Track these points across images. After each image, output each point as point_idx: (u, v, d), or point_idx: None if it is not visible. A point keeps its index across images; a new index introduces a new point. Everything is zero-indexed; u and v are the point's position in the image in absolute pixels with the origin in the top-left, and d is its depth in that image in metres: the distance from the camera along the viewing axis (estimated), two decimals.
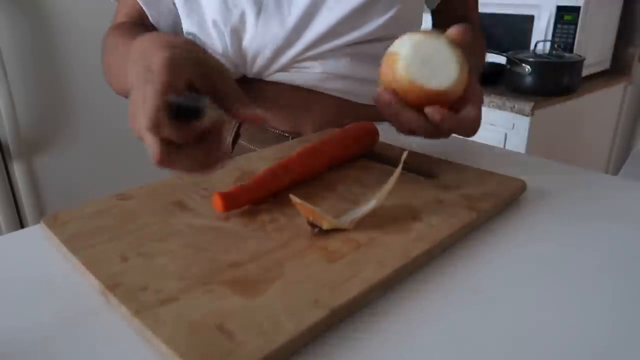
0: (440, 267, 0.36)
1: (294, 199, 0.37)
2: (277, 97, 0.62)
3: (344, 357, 0.27)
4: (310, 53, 0.59)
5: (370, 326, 0.30)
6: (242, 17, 0.57)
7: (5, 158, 1.46)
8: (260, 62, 0.59)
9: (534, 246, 0.39)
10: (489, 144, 0.63)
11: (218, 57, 0.59)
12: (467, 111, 0.42)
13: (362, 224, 0.39)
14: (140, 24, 0.66)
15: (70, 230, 0.38)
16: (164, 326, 0.28)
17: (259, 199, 0.42)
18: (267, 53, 0.59)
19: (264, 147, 0.63)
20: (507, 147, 1.36)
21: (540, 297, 0.33)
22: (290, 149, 0.51)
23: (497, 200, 0.42)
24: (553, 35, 1.45)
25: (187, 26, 0.62)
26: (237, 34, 0.58)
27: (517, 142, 1.35)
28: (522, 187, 0.45)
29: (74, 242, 0.36)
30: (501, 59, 1.46)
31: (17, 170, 1.47)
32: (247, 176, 0.46)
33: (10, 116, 1.40)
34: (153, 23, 0.66)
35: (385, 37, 0.61)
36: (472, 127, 0.43)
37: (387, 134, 0.55)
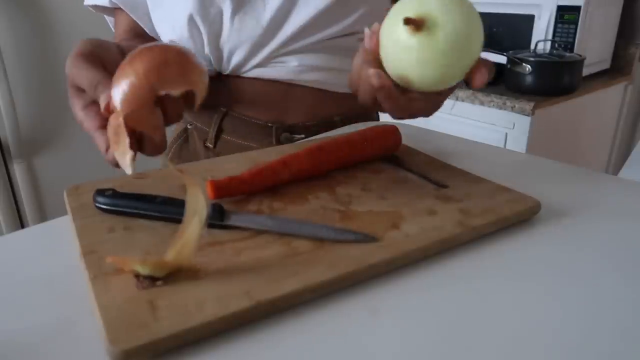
0: (411, 277, 0.35)
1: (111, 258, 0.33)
2: (255, 92, 0.63)
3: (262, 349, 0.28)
4: (285, 49, 0.59)
5: (301, 326, 0.30)
6: (219, 13, 0.58)
7: (6, 158, 1.46)
8: (236, 59, 0.60)
9: (533, 246, 0.38)
10: (489, 144, 0.63)
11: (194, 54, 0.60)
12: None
13: (342, 224, 0.39)
14: (141, 36, 0.65)
15: (83, 199, 0.42)
16: (106, 295, 0.30)
17: (254, 191, 0.44)
18: (242, 50, 0.59)
19: (248, 140, 0.64)
20: (507, 147, 1.36)
21: (540, 297, 0.33)
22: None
23: (497, 218, 0.40)
24: (553, 35, 1.45)
25: (157, 21, 0.62)
26: (213, 31, 0.58)
27: (518, 142, 1.35)
28: (534, 208, 0.42)
29: (80, 211, 0.40)
30: (501, 59, 1.46)
31: (17, 170, 1.47)
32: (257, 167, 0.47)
33: (10, 116, 1.40)
34: (148, 32, 0.65)
35: (359, 31, 0.61)
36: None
37: (412, 139, 0.55)
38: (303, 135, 0.64)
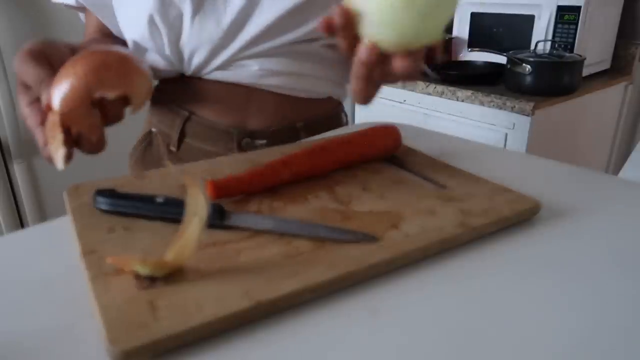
0: (411, 277, 0.35)
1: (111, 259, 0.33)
2: (217, 94, 0.63)
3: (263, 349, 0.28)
4: (246, 53, 0.59)
5: (301, 326, 0.30)
6: (179, 14, 0.58)
7: (6, 158, 1.46)
8: (196, 61, 0.60)
9: (533, 246, 0.38)
10: (489, 144, 0.63)
11: (153, 55, 0.60)
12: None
13: (341, 224, 0.39)
14: (110, 35, 0.65)
15: (83, 199, 0.42)
16: (106, 295, 0.30)
17: (254, 191, 0.44)
18: (203, 52, 0.59)
19: (210, 144, 0.64)
20: (507, 147, 1.36)
21: (540, 297, 0.33)
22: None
23: (497, 218, 0.40)
24: (553, 35, 1.45)
25: (120, 20, 0.62)
26: (174, 31, 0.58)
27: (518, 142, 1.35)
28: (534, 208, 0.42)
29: (80, 211, 0.40)
30: (501, 59, 1.46)
31: (17, 170, 1.47)
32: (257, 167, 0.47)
33: (10, 116, 1.40)
34: (114, 32, 0.65)
35: (320, 37, 0.61)
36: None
37: (412, 139, 0.55)
38: (265, 141, 0.64)
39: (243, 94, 0.62)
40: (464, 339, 0.29)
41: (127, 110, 0.46)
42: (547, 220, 0.42)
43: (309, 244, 0.36)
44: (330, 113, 0.71)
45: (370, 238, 0.36)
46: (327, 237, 0.36)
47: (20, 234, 0.42)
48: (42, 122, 0.43)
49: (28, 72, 0.44)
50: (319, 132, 0.66)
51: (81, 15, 0.71)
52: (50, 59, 0.45)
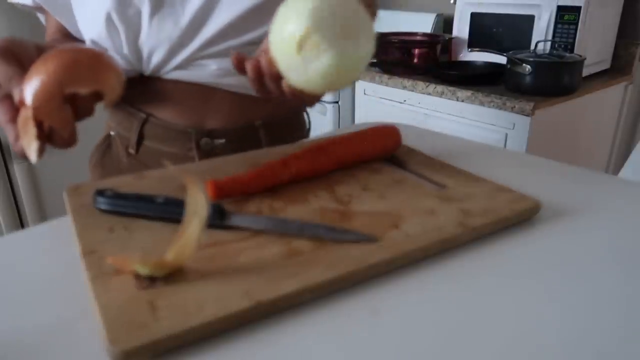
0: (411, 277, 0.35)
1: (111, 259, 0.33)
2: (175, 94, 0.63)
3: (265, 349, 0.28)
4: (204, 52, 0.60)
5: (301, 326, 0.30)
6: (138, 13, 0.58)
7: (6, 158, 1.46)
8: (155, 60, 0.60)
9: (533, 246, 0.38)
10: (489, 144, 0.63)
11: (112, 54, 0.60)
12: None
13: (341, 224, 0.39)
14: (70, 36, 0.65)
15: (83, 200, 0.42)
16: (106, 295, 0.30)
17: (254, 191, 0.44)
18: (162, 51, 0.59)
19: (168, 146, 0.64)
20: (507, 147, 1.36)
21: (540, 297, 0.33)
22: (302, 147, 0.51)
23: (497, 218, 0.40)
24: (553, 35, 1.45)
25: (79, 19, 0.62)
26: (132, 30, 0.59)
27: (518, 142, 1.35)
28: (534, 208, 0.42)
29: (80, 211, 0.41)
30: (501, 59, 1.46)
31: (17, 171, 1.47)
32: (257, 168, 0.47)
33: None
34: (72, 32, 0.65)
35: None
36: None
37: (412, 139, 0.55)
38: (223, 140, 0.64)
39: (202, 94, 0.63)
40: (464, 338, 0.29)
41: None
42: (547, 220, 0.42)
43: (309, 244, 0.36)
44: (289, 113, 0.71)
45: (370, 238, 0.36)
46: (327, 237, 0.36)
47: (20, 234, 0.42)
48: (12, 118, 0.44)
49: None
50: (279, 132, 0.66)
51: (40, 16, 0.70)
52: (19, 57, 0.46)
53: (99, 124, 0.71)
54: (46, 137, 0.44)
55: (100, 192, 0.41)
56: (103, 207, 0.40)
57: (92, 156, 0.71)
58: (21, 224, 1.54)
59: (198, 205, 0.32)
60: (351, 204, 0.42)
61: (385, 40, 1.64)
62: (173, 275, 0.32)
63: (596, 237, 0.40)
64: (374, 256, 0.34)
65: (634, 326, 0.30)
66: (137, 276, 0.32)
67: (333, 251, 0.35)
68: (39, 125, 0.42)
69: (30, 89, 0.42)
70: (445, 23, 1.88)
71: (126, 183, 0.46)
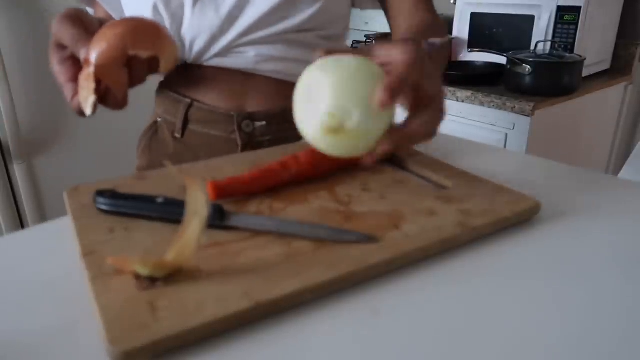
0: (412, 277, 0.35)
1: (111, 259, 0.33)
2: (217, 80, 0.67)
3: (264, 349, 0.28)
4: (243, 40, 0.63)
5: (301, 326, 0.30)
6: (181, 4, 0.62)
7: (6, 158, 1.46)
8: (197, 48, 0.63)
9: (533, 246, 0.38)
10: (489, 144, 0.63)
11: None
12: (411, 121, 0.42)
13: (341, 224, 0.39)
14: None
15: (83, 200, 0.42)
16: (106, 295, 0.30)
17: (254, 191, 0.44)
18: (203, 39, 0.63)
19: (212, 129, 0.67)
20: (507, 147, 1.36)
21: (540, 297, 0.33)
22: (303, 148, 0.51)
23: (497, 218, 0.40)
24: (553, 36, 1.45)
25: (126, 10, 0.67)
26: (176, 20, 0.63)
27: (518, 142, 1.35)
28: (534, 208, 0.42)
29: (80, 212, 0.41)
30: (501, 59, 1.46)
31: (17, 171, 1.47)
32: (257, 168, 0.47)
33: (11, 117, 1.40)
34: None
35: (314, 29, 0.66)
36: (426, 131, 0.42)
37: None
38: (264, 122, 0.66)
39: (241, 79, 0.66)
40: (464, 338, 0.29)
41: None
42: (547, 220, 0.42)
43: (309, 244, 0.36)
44: None
45: (370, 238, 0.36)
46: (328, 238, 0.36)
47: (20, 234, 0.42)
48: (72, 78, 0.50)
49: (66, 32, 0.50)
50: None
51: (90, 10, 0.75)
52: (85, 24, 0.52)
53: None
54: (101, 97, 0.49)
55: (100, 193, 0.41)
56: (103, 207, 0.40)
57: (140, 142, 0.76)
58: (21, 224, 1.54)
59: (198, 205, 0.32)
60: (351, 205, 0.42)
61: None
62: (173, 275, 0.32)
63: (596, 238, 0.40)
64: (374, 256, 0.34)
65: (634, 326, 0.30)
66: (137, 277, 0.32)
67: (333, 251, 0.35)
68: (97, 82, 0.47)
69: (96, 49, 0.47)
70: (445, 23, 1.89)
71: (126, 183, 0.46)
